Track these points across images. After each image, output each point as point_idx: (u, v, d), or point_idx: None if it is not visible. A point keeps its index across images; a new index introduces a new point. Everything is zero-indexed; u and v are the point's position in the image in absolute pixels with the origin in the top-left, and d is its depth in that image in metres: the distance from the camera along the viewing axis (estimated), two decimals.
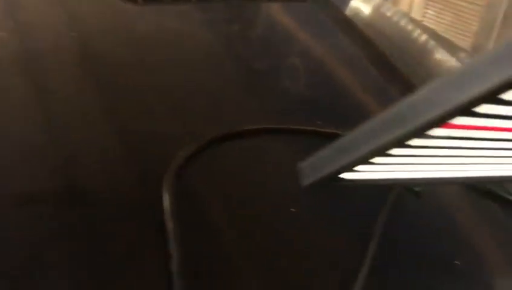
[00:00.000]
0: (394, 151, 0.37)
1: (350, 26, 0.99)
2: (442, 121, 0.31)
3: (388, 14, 1.16)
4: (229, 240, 0.52)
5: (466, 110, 0.30)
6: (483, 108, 0.30)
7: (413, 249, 0.58)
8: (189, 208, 0.53)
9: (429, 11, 3.17)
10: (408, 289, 0.54)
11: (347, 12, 1.08)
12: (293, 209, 0.57)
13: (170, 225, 0.49)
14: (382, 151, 0.37)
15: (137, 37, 0.80)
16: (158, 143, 0.60)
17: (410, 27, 1.10)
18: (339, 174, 0.42)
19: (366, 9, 1.14)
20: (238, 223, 0.55)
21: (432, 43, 1.03)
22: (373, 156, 0.37)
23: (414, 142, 0.35)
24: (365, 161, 0.38)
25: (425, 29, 1.11)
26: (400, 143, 0.35)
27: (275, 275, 0.50)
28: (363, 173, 0.43)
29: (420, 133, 0.33)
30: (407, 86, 0.80)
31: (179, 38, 0.84)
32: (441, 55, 1.01)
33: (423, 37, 1.04)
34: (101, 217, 0.51)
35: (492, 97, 0.28)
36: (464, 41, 2.89)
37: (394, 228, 0.59)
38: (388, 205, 0.59)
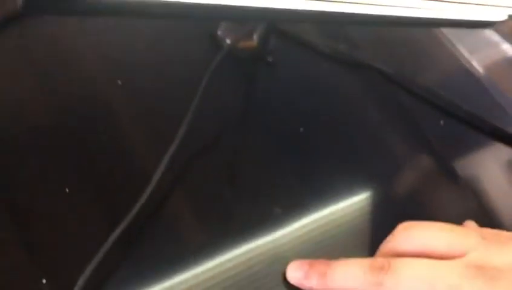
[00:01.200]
0: None
1: None
2: None
3: None
4: (34, 115, 0.48)
5: None
6: None
7: (258, 119, 0.57)
8: None
9: None
10: (251, 161, 0.53)
11: None
12: (119, 82, 0.53)
13: None
14: None
15: None
16: None
17: None
18: None
19: None
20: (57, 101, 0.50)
21: None
22: None
23: None
24: None
25: None
26: None
27: (91, 150, 0.47)
28: None
29: None
30: None
31: None
32: None
33: None
34: None
35: None
36: None
37: (243, 97, 0.57)
38: (212, 67, 0.55)
